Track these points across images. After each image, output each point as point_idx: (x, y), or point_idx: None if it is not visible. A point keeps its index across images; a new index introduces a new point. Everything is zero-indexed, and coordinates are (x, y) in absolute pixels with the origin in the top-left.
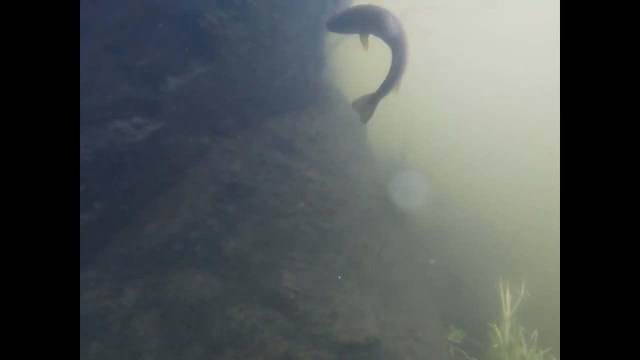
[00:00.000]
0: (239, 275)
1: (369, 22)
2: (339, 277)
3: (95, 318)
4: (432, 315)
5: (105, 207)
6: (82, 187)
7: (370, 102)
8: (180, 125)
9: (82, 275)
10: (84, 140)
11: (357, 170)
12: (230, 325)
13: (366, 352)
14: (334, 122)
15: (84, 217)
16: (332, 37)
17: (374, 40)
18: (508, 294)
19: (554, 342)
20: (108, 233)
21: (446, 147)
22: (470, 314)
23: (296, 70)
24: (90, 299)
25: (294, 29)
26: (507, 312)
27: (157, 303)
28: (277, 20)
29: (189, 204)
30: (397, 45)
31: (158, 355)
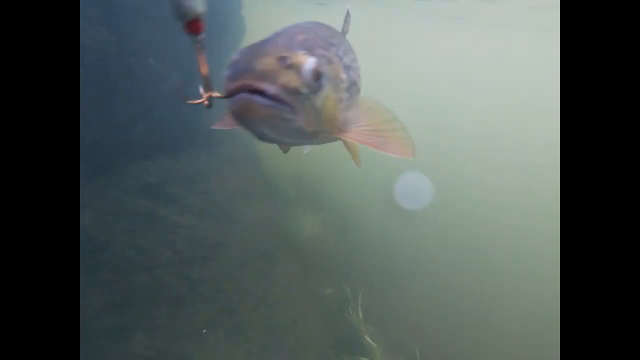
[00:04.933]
0: None
1: None
2: (204, 330)
3: None
4: (325, 346)
5: None
6: None
7: None
8: None
9: None
10: None
11: (245, 210)
12: None
13: None
14: (221, 161)
15: None
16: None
17: None
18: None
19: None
20: None
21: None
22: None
23: (165, 111)
24: None
25: (160, 71)
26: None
27: None
28: (132, 63)
29: None
30: None
31: None
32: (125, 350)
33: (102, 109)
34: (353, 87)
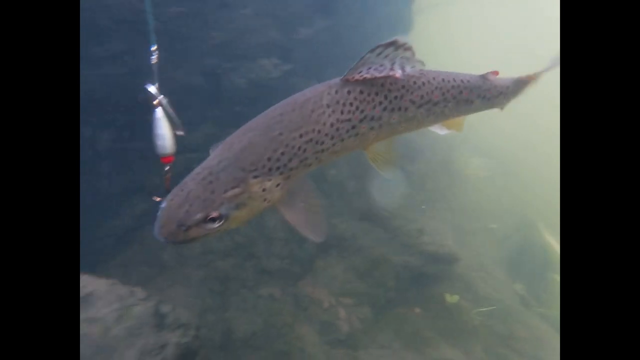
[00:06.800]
0: (338, 195)
1: None
2: (423, 206)
3: None
4: (497, 264)
5: None
6: (236, 109)
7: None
8: (300, 69)
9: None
10: (240, 72)
11: None
12: (335, 232)
13: (446, 265)
14: None
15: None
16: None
17: None
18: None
19: None
20: None
21: None
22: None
23: (386, 33)
24: None
25: None
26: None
27: None
28: None
29: None
30: None
31: (285, 244)
32: (372, 205)
33: (356, 23)
34: (291, 171)
